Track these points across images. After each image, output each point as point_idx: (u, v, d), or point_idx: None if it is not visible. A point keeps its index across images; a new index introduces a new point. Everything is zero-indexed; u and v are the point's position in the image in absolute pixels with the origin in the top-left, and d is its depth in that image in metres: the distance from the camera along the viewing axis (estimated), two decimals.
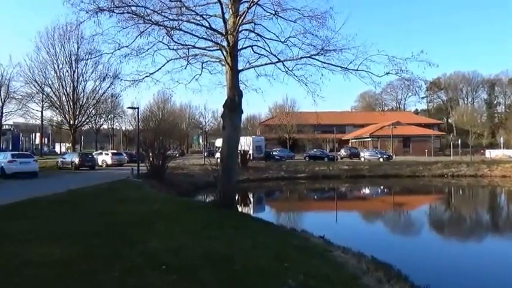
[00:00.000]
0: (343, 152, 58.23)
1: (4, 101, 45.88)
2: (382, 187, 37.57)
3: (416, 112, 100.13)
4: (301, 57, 15.00)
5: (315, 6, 14.33)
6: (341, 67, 14.72)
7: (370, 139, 66.50)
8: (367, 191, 36.18)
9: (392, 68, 14.00)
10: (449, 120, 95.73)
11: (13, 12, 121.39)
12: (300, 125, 66.67)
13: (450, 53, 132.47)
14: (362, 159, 52.53)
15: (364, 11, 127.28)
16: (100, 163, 40.09)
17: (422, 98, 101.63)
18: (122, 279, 5.64)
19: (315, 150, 56.66)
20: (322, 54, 14.66)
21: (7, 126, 58.99)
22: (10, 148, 56.20)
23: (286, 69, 15.44)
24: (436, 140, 65.59)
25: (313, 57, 14.87)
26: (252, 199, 29.74)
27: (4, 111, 46.77)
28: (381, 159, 49.62)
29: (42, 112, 49.39)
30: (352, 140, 73.72)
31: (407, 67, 13.89)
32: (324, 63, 14.89)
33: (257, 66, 15.99)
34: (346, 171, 42.08)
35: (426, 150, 58.41)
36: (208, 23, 14.13)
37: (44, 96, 44.60)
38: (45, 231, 8.64)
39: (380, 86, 15.90)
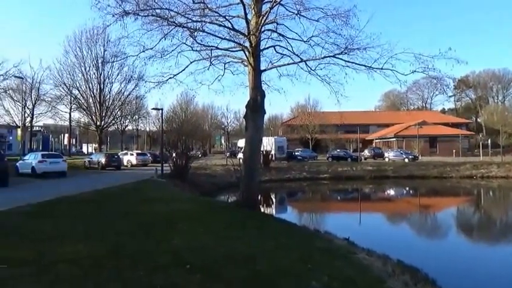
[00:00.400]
0: (366, 152, 57.42)
1: (35, 103, 47.37)
2: (407, 188, 36.86)
3: (443, 111, 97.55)
4: (325, 57, 14.87)
5: (338, 5, 14.20)
6: (365, 66, 14.53)
7: (394, 139, 65.33)
8: (391, 192, 35.55)
9: (418, 66, 13.76)
10: (479, 120, 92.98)
11: (44, 17, 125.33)
12: (323, 125, 65.99)
13: (479, 51, 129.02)
14: (386, 159, 51.68)
15: (389, 10, 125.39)
16: (125, 163, 40.88)
17: (450, 96, 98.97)
18: (147, 278, 5.73)
19: (338, 150, 55.80)
20: (345, 53, 14.49)
21: (38, 128, 60.81)
22: (40, 148, 57.95)
23: (309, 69, 15.35)
24: (464, 140, 63.79)
25: (336, 56, 14.72)
26: (274, 200, 29.69)
27: (35, 113, 48.32)
28: (406, 160, 48.67)
29: (70, 114, 50.87)
30: (376, 140, 72.57)
31: (435, 65, 13.62)
32: (348, 62, 14.73)
33: (279, 66, 15.96)
34: (370, 172, 41.46)
35: (454, 151, 56.88)
36: (231, 23, 14.21)
37: (72, 98, 45.93)
38: (73, 230, 8.87)
39: (405, 85, 15.64)
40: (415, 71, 13.98)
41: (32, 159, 27.26)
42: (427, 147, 61.11)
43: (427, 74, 14.12)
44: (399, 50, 14.00)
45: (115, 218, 10.71)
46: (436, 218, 23.28)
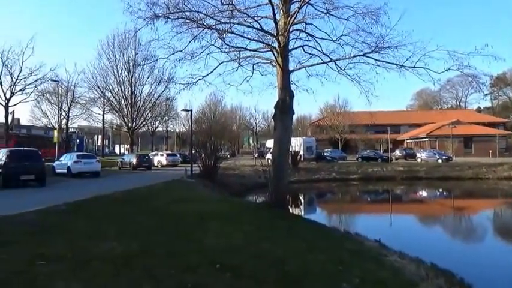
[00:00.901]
0: (398, 152, 56.29)
1: (70, 106, 49.08)
2: (440, 190, 35.77)
3: (479, 110, 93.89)
4: (354, 56, 14.65)
5: (368, 3, 14.00)
6: (397, 64, 14.23)
7: (427, 139, 63.64)
8: (424, 193, 34.61)
9: (453, 64, 13.35)
10: None
11: (78, 22, 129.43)
12: (352, 125, 65.19)
13: None
14: (418, 160, 50.46)
15: (421, 7, 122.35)
16: (156, 164, 41.58)
17: (486, 94, 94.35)
18: (178, 276, 5.80)
19: (368, 151, 55.09)
20: (376, 51, 14.23)
21: (73, 129, 62.84)
22: (75, 149, 59.80)
23: (339, 69, 15.14)
24: (501, 140, 61.17)
25: (366, 55, 14.47)
26: (303, 200, 29.54)
27: (70, 115, 50.07)
28: (440, 161, 47.32)
29: (103, 115, 52.35)
30: (408, 141, 70.95)
31: (470, 62, 13.17)
32: (379, 61, 14.45)
33: (308, 66, 15.82)
34: (401, 173, 40.64)
35: (490, 151, 54.76)
36: (260, 24, 14.23)
37: (105, 100, 47.18)
38: (107, 228, 9.06)
39: (439, 83, 15.24)
40: (449, 69, 13.59)
41: (67, 159, 28.17)
42: (462, 148, 59.07)
43: (462, 72, 13.71)
44: (432, 47, 13.65)
45: (147, 217, 10.89)
46: (471, 221, 22.46)
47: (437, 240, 16.26)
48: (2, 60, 35.70)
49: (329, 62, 15.08)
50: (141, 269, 6.06)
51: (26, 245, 7.24)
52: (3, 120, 37.88)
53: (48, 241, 7.60)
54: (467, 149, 60.15)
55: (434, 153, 50.56)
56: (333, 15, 14.05)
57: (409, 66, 14.04)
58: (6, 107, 36.86)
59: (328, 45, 15.27)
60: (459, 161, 47.80)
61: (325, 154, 51.30)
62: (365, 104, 17.63)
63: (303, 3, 13.59)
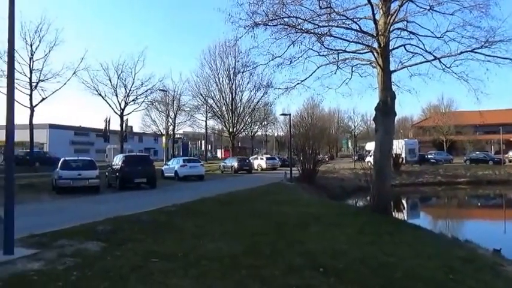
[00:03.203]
0: (511, 154, 51.02)
1: (176, 113, 52.86)
2: None
3: None
4: (461, 52, 13.64)
5: None
6: (510, 59, 13.01)
7: None
8: None
9: None
10: None
11: (182, 35, 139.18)
12: (459, 126, 60.75)
13: None
14: None
15: None
16: (256, 167, 42.76)
17: None
18: (283, 277, 5.91)
19: (477, 152, 51.64)
20: (486, 46, 13.14)
21: (178, 135, 67.59)
22: (181, 154, 64.21)
23: (443, 67, 14.22)
24: None
25: (475, 51, 13.42)
26: (406, 205, 28.26)
27: (176, 122, 53.91)
28: None
29: (206, 121, 55.42)
30: None
31: None
32: (489, 56, 13.33)
33: (410, 66, 15.06)
34: None
35: None
36: (359, 25, 13.91)
37: (208, 107, 50.00)
38: (213, 229, 9.54)
39: None
40: None
41: (174, 164, 30.32)
42: None
43: None
44: None
45: (249, 219, 11.26)
46: None
47: None
48: (117, 74, 39.98)
49: (433, 60, 14.24)
50: (247, 269, 6.26)
51: (141, 243, 7.86)
52: (119, 128, 42.16)
53: (160, 240, 8.20)
54: None
55: None
56: (436, 11, 13.23)
57: None
58: (121, 116, 40.98)
59: (432, 43, 14.45)
60: None
61: (429, 156, 48.98)
62: (474, 103, 16.09)
63: (403, 1, 13.04)
